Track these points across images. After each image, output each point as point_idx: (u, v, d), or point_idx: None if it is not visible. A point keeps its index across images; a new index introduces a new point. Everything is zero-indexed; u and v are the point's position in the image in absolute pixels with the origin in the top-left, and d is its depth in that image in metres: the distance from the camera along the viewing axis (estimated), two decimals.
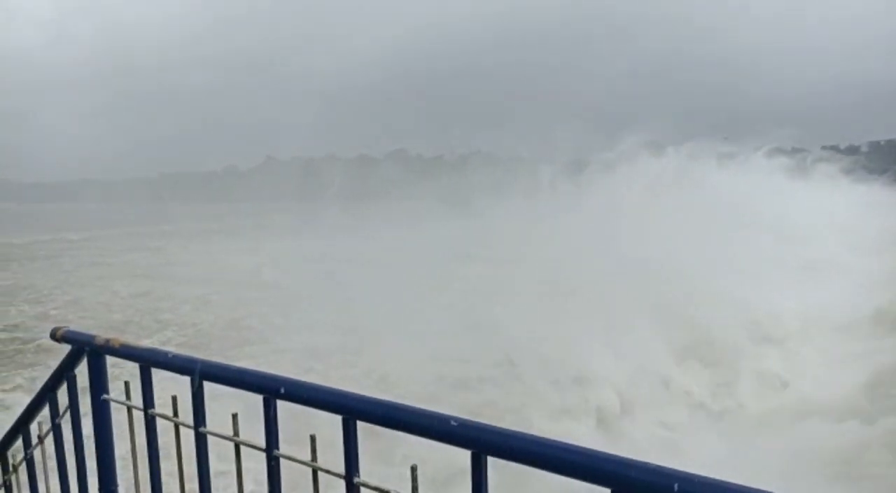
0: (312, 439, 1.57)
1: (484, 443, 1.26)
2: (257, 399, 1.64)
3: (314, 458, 1.56)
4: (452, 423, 1.29)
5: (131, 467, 2.10)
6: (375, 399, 1.44)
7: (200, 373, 1.77)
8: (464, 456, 1.30)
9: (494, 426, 1.28)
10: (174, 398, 1.90)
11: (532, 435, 1.24)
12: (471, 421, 1.29)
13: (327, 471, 1.53)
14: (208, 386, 1.80)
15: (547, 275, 14.99)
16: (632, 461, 1.13)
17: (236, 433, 1.75)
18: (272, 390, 1.58)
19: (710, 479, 1.06)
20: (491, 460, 1.27)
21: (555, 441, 1.21)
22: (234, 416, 1.75)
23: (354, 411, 1.45)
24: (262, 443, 1.64)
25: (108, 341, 2.04)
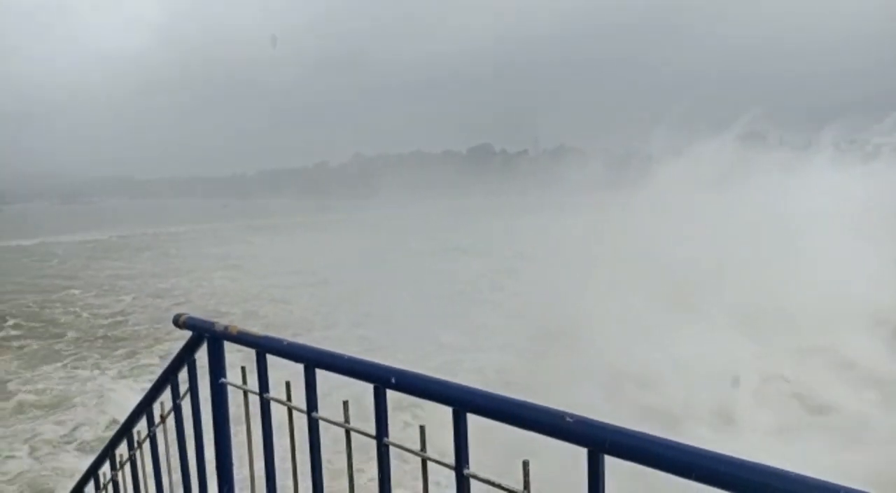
0: (421, 429, 1.59)
1: (601, 441, 1.23)
2: (366, 388, 1.69)
3: (423, 448, 1.58)
4: (568, 419, 1.27)
5: (246, 446, 2.22)
6: (487, 392, 1.44)
7: (314, 361, 1.84)
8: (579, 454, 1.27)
9: (612, 424, 1.25)
10: (288, 384, 1.98)
11: (652, 435, 1.20)
12: (587, 419, 1.26)
13: (437, 461, 1.54)
14: (319, 374, 1.87)
15: (658, 276, 14.63)
16: (759, 465, 1.06)
17: (347, 420, 1.80)
18: (383, 379, 1.62)
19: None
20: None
21: (677, 443, 1.16)
22: (345, 403, 1.80)
23: (466, 403, 1.45)
24: (371, 430, 1.69)
25: (226, 327, 2.15)
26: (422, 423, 1.61)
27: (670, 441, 1.17)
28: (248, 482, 2.20)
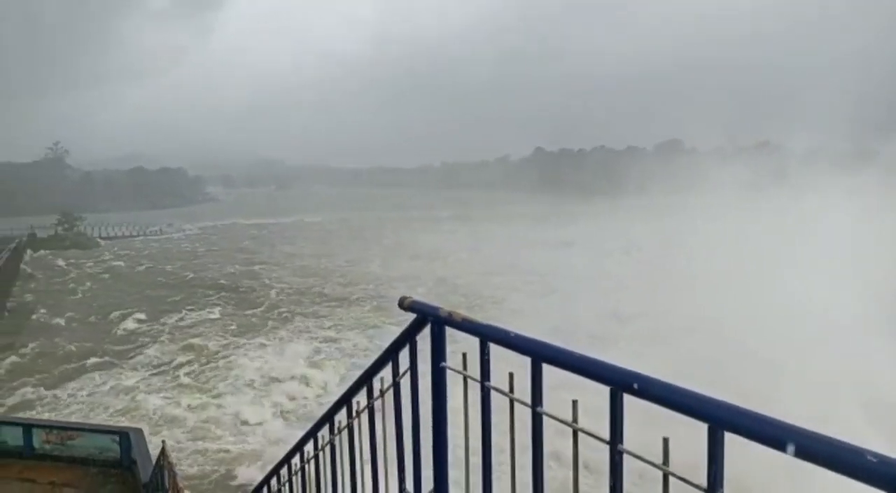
0: (665, 442, 1.49)
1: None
2: (598, 388, 1.63)
3: (665, 461, 1.48)
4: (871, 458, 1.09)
5: (461, 431, 2.27)
6: (747, 410, 1.30)
7: (541, 355, 1.81)
8: None
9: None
10: (511, 375, 1.98)
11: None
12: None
13: (682, 479, 1.43)
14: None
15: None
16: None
17: (575, 420, 1.75)
18: (622, 383, 1.53)
19: None
20: None
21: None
22: (574, 403, 1.76)
23: (723, 421, 1.32)
24: (599, 433, 1.62)
25: (450, 314, 2.22)
26: (663, 434, 1.51)
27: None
28: (463, 466, 2.26)
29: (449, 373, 2.31)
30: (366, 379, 2.91)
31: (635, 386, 1.50)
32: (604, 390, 1.58)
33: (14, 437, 13.69)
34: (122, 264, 66.22)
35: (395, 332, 2.66)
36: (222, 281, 52.40)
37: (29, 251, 72.04)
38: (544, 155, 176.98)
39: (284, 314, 39.93)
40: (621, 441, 1.58)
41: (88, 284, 53.85)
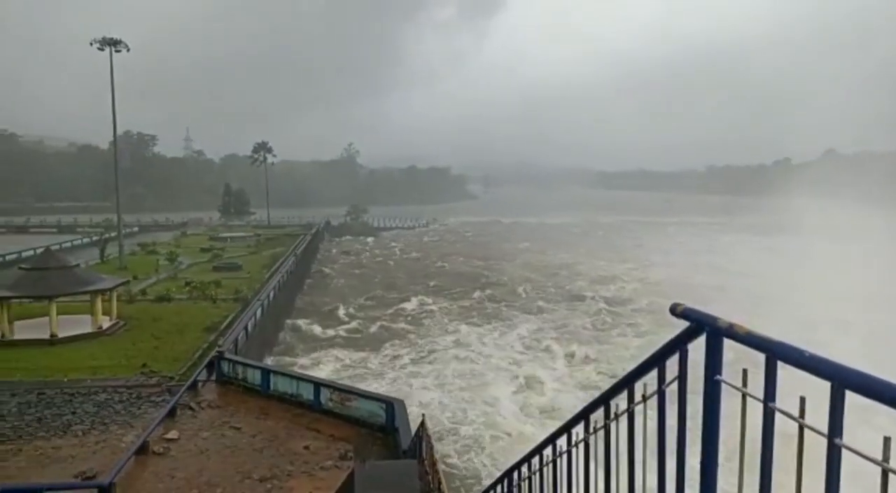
0: (885, 440, 1.24)
1: None
2: None
3: (886, 458, 1.23)
4: None
5: (729, 450, 2.13)
6: None
7: (845, 380, 1.61)
8: None
9: None
10: (802, 399, 1.80)
11: None
12: None
13: None
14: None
15: None
16: None
17: (886, 458, 1.53)
18: None
19: None
20: None
21: None
22: (886, 440, 1.53)
23: None
24: None
25: (731, 325, 2.08)
26: None
27: None
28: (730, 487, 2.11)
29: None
30: (627, 383, 2.86)
31: None
32: None
33: (307, 392, 16.37)
34: (392, 250, 75.33)
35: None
36: (485, 274, 56.02)
37: (325, 235, 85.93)
38: (836, 158, 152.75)
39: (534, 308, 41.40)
40: (839, 436, 1.36)
41: (366, 265, 62.60)
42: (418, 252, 73.88)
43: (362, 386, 20.35)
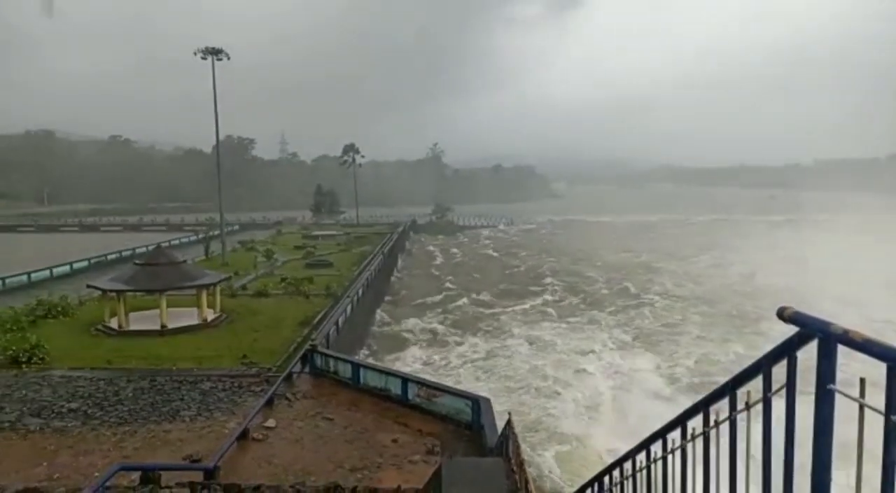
0: None
1: None
2: None
3: None
4: None
5: (850, 465, 2.00)
6: None
7: None
8: None
9: None
10: None
11: None
12: None
13: None
14: None
15: None
16: None
17: None
18: None
19: None
20: None
21: None
22: None
23: None
24: None
25: (846, 331, 1.96)
26: None
27: None
28: None
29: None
30: (728, 389, 2.75)
31: None
32: None
33: (395, 386, 16.74)
34: (475, 249, 75.71)
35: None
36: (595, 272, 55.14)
37: (411, 233, 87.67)
38: None
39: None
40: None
41: (449, 263, 63.30)
42: (496, 251, 74.00)
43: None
